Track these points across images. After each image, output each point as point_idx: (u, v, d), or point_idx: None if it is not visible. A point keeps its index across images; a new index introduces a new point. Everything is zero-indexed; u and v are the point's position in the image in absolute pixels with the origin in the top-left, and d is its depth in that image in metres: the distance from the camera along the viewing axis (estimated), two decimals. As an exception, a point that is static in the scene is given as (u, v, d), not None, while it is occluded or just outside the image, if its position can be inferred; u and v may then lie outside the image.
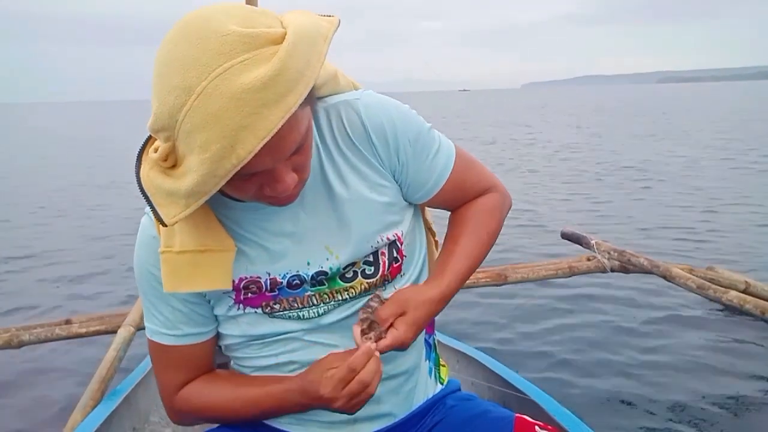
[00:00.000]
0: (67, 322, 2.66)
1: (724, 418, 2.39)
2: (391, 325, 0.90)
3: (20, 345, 2.60)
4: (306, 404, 0.92)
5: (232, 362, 1.05)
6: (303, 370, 0.93)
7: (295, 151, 0.78)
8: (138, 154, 0.82)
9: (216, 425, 1.03)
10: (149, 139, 0.83)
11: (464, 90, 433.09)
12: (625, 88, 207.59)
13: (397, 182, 0.97)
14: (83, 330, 2.61)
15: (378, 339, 0.88)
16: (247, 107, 0.68)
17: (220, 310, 0.96)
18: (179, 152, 0.74)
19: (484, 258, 1.05)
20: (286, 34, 0.72)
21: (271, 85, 0.68)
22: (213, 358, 1.02)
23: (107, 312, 2.78)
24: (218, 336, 1.01)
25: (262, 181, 0.79)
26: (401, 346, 0.90)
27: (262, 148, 0.70)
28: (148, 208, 0.84)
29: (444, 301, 0.97)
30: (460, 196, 1.04)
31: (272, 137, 0.70)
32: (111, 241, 5.82)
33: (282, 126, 0.70)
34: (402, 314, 0.90)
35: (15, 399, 2.80)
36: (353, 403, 0.87)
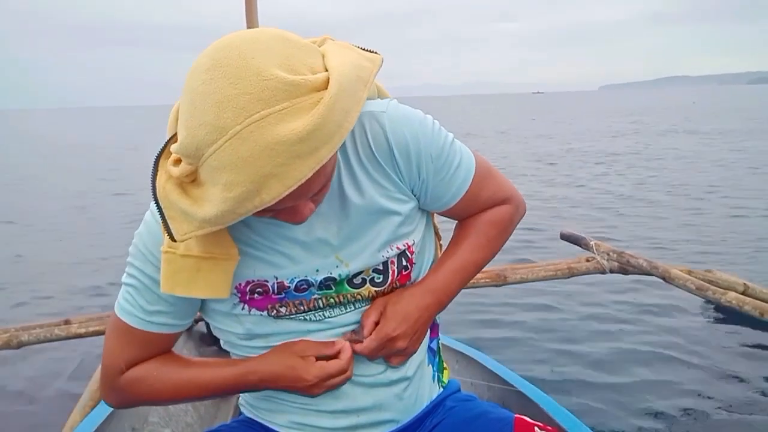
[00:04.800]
0: (66, 322, 2.66)
1: (724, 418, 2.39)
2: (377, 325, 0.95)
3: (19, 345, 2.60)
4: (269, 387, 0.95)
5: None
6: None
7: (317, 191, 0.78)
8: (156, 159, 0.80)
9: (216, 425, 1.04)
10: (168, 143, 0.81)
11: (538, 92, 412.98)
12: (713, 89, 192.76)
13: (415, 196, 0.97)
14: (82, 330, 2.61)
15: (355, 341, 0.94)
16: (279, 158, 0.67)
17: (222, 307, 0.95)
18: (200, 177, 0.73)
19: (484, 262, 1.05)
20: (328, 79, 0.70)
21: (307, 139, 0.67)
22: (173, 346, 1.01)
23: (107, 312, 2.78)
24: (218, 331, 1.00)
25: (279, 210, 0.79)
26: (389, 340, 0.94)
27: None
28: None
29: (431, 292, 0.98)
30: (473, 208, 1.03)
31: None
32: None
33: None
34: (383, 311, 0.95)
35: (14, 399, 2.79)
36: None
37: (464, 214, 1.04)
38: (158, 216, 0.82)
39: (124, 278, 0.94)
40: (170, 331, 0.96)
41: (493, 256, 1.07)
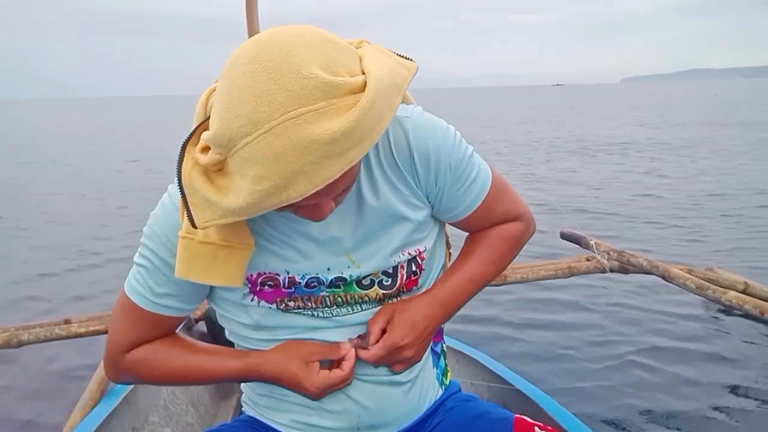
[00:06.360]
0: (67, 321, 2.66)
1: (723, 418, 2.39)
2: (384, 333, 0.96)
3: (19, 345, 2.60)
4: (269, 382, 0.98)
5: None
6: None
7: (341, 190, 0.79)
8: (183, 145, 0.80)
9: (216, 425, 1.04)
10: (196, 130, 0.81)
11: (558, 84, 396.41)
12: (736, 83, 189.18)
13: (429, 203, 0.98)
14: (83, 330, 2.61)
15: (361, 347, 0.95)
16: (311, 156, 0.68)
17: (232, 296, 0.96)
18: (228, 168, 0.73)
19: (491, 276, 1.07)
20: (365, 83, 0.72)
21: (340, 140, 0.68)
22: (177, 329, 1.03)
23: (107, 312, 2.78)
24: (225, 320, 1.01)
25: (300, 206, 0.79)
26: (396, 349, 0.94)
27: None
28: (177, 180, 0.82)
29: (438, 302, 0.99)
30: (486, 222, 1.05)
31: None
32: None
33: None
34: (390, 319, 0.96)
35: (15, 399, 2.79)
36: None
37: (477, 226, 1.06)
38: (178, 201, 0.84)
39: (136, 258, 0.95)
40: (176, 314, 0.98)
41: (501, 272, 1.09)
